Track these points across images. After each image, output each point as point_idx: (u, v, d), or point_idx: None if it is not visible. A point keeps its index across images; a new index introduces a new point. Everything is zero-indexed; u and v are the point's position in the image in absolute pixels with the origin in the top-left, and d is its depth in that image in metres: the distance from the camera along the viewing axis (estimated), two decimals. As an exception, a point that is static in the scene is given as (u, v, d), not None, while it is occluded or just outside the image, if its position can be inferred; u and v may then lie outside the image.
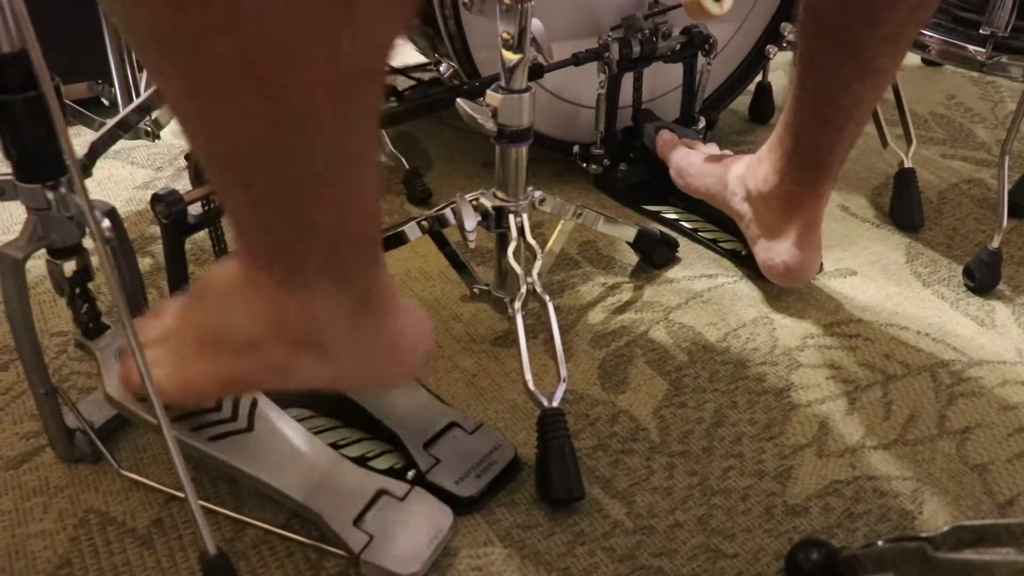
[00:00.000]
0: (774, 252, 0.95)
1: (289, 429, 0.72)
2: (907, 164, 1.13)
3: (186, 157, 0.90)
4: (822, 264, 1.01)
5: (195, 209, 0.79)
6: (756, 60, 1.30)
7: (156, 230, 1.07)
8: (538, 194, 0.89)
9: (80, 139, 0.96)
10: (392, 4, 0.45)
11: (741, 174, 0.98)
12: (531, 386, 0.76)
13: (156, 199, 0.76)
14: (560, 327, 0.83)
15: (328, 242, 0.54)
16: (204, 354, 0.63)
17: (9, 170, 0.64)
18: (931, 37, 1.08)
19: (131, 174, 1.22)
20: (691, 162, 1.08)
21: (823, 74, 0.84)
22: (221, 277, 0.61)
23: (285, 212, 0.52)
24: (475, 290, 0.92)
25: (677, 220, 1.11)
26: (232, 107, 0.45)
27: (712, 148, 1.12)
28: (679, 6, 1.04)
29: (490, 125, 0.81)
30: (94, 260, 0.71)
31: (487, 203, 0.86)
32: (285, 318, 0.57)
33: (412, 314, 0.63)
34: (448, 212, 0.89)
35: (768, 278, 0.98)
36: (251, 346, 0.60)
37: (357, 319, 0.58)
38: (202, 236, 0.96)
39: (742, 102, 1.37)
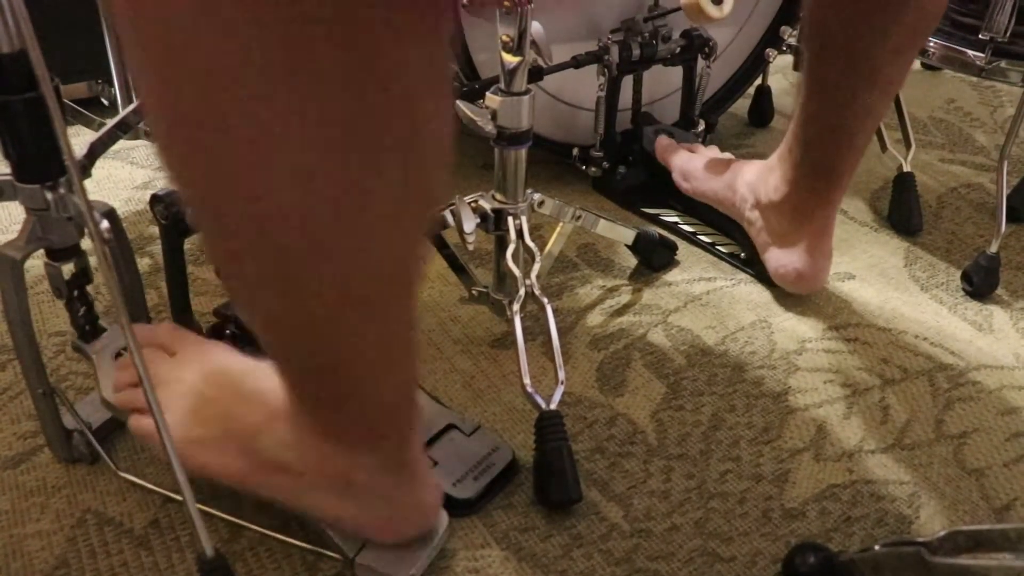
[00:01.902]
0: (786, 260, 0.95)
1: (287, 431, 0.72)
2: (906, 168, 1.14)
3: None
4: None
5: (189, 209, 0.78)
6: (756, 63, 1.30)
7: (155, 231, 1.07)
8: (537, 196, 0.89)
9: (79, 139, 0.96)
10: (410, 221, 0.48)
11: (751, 182, 0.98)
12: (529, 388, 0.76)
13: (155, 200, 0.76)
14: (558, 329, 0.83)
15: (370, 414, 0.57)
16: (233, 448, 0.63)
17: (8, 170, 0.64)
18: (931, 42, 1.08)
19: (130, 174, 1.22)
20: (696, 165, 1.08)
21: (830, 85, 0.84)
22: (269, 384, 0.60)
23: (328, 386, 0.55)
24: (474, 292, 0.92)
25: (676, 223, 1.12)
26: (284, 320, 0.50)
27: (713, 151, 1.12)
28: (679, 9, 1.04)
29: (489, 127, 0.82)
30: (93, 261, 0.71)
31: (486, 205, 0.86)
32: (324, 462, 0.59)
33: (430, 480, 0.65)
34: (447, 214, 0.89)
35: (779, 285, 0.98)
36: (284, 469, 0.61)
37: (388, 477, 0.61)
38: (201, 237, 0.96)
39: (742, 105, 1.38)
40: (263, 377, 0.61)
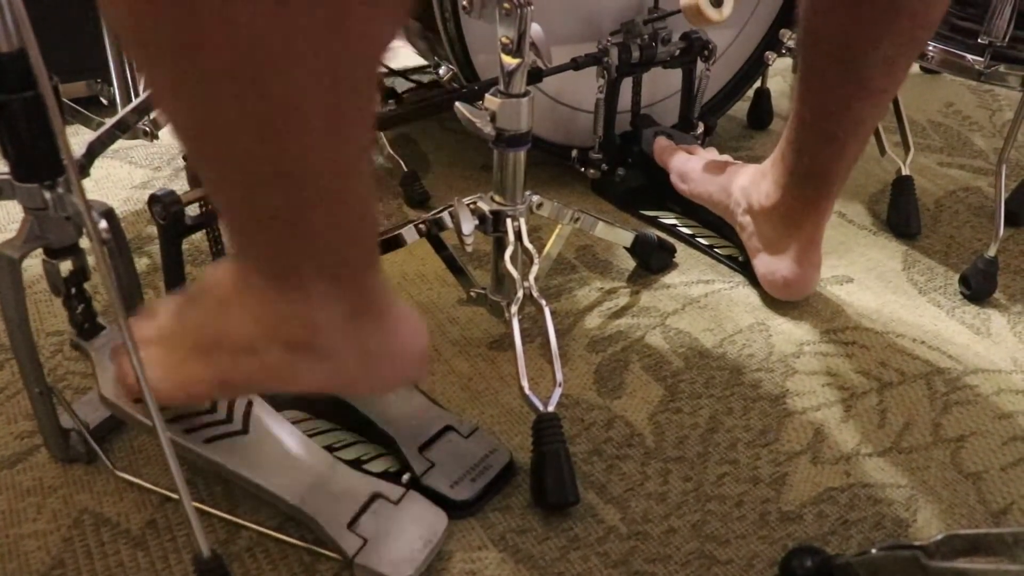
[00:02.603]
0: (774, 267, 0.96)
1: (284, 432, 0.72)
2: (905, 172, 1.14)
3: (184, 157, 0.90)
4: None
5: (192, 210, 0.78)
6: (755, 66, 1.30)
7: (153, 230, 1.07)
8: (536, 198, 0.89)
9: (78, 138, 0.96)
10: (383, 13, 0.45)
11: (744, 186, 0.98)
12: (527, 390, 0.76)
13: (153, 199, 0.76)
14: (556, 331, 0.83)
15: (323, 245, 0.54)
16: (200, 356, 0.63)
17: (6, 169, 0.64)
18: (929, 46, 1.08)
19: (129, 174, 1.22)
20: (693, 167, 1.08)
21: (824, 93, 0.84)
22: (217, 279, 0.61)
23: (279, 216, 0.52)
24: (472, 294, 0.92)
25: (675, 225, 1.12)
26: (223, 112, 0.46)
27: (712, 153, 1.13)
28: (679, 12, 1.05)
29: (488, 129, 0.81)
30: (91, 260, 0.71)
31: (485, 207, 0.86)
32: (281, 321, 0.57)
33: (408, 318, 0.63)
34: (446, 215, 0.89)
35: (768, 291, 0.98)
36: (247, 349, 0.59)
37: (353, 322, 0.58)
38: (199, 237, 0.96)
39: (741, 108, 1.38)
40: (210, 281, 0.61)
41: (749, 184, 0.97)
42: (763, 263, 0.97)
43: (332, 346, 0.58)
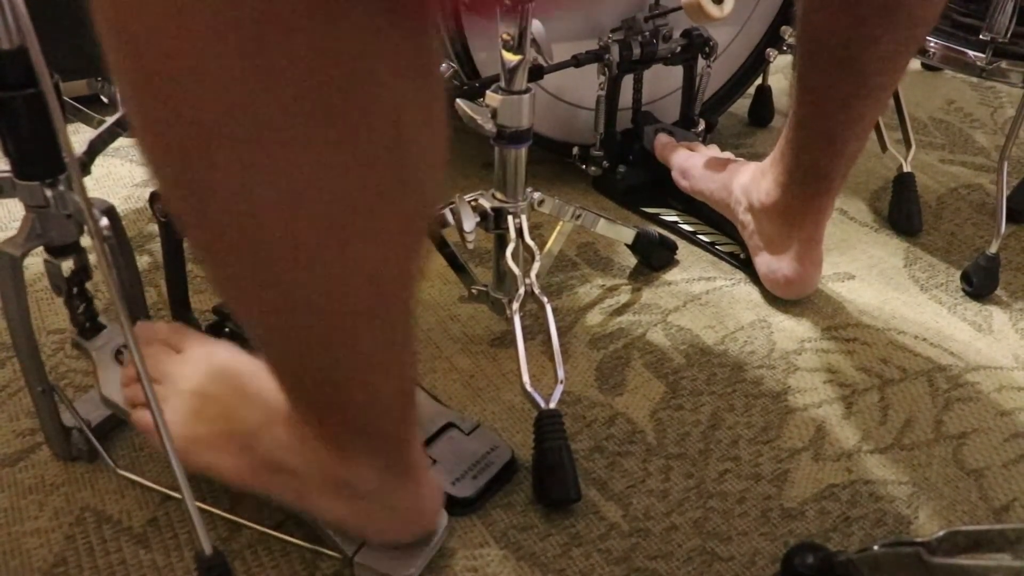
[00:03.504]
0: (776, 266, 0.96)
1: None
2: (906, 168, 1.13)
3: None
4: (820, 268, 1.01)
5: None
6: (756, 63, 1.30)
7: (155, 228, 1.07)
8: (537, 195, 0.89)
9: (79, 136, 0.96)
10: (407, 231, 0.48)
11: (745, 184, 0.98)
12: (528, 387, 0.76)
13: (155, 197, 0.76)
14: (558, 328, 0.83)
15: (370, 420, 0.57)
16: (235, 447, 0.63)
17: (8, 167, 0.64)
18: (931, 42, 1.08)
19: (130, 172, 1.22)
20: (695, 164, 1.08)
21: (822, 92, 0.84)
22: (271, 388, 0.60)
23: (327, 395, 0.56)
24: (473, 291, 0.92)
25: (676, 222, 1.11)
26: (290, 320, 0.50)
27: (713, 150, 1.12)
28: (679, 8, 1.04)
29: (489, 126, 0.81)
30: (92, 258, 0.71)
31: (486, 204, 0.86)
32: (325, 465, 0.60)
33: (431, 483, 0.65)
34: (447, 213, 0.89)
35: (769, 290, 0.98)
36: (286, 470, 0.61)
37: (389, 480, 0.61)
38: (200, 234, 0.96)
39: (742, 105, 1.37)
40: (266, 377, 0.60)
41: (750, 182, 0.97)
42: (764, 262, 0.97)
43: (366, 494, 0.61)
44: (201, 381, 0.65)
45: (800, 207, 0.91)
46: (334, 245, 0.44)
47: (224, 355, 0.67)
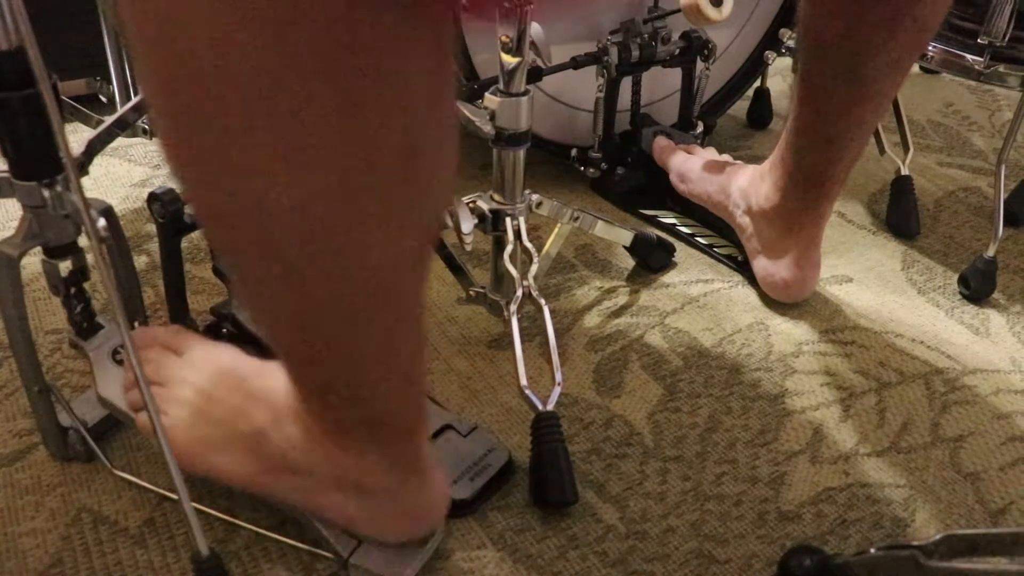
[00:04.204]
0: (773, 269, 0.96)
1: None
2: (904, 171, 1.14)
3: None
4: (817, 271, 1.01)
5: (191, 208, 0.78)
6: (755, 65, 1.30)
7: (152, 228, 1.07)
8: (535, 197, 0.89)
9: (77, 136, 0.96)
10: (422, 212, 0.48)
11: (743, 187, 0.98)
12: (526, 389, 0.76)
13: (152, 198, 0.75)
14: (556, 330, 0.83)
15: (380, 419, 0.57)
16: (241, 449, 0.63)
17: (5, 167, 0.64)
18: (929, 45, 1.08)
19: (128, 171, 1.22)
20: (692, 167, 1.08)
21: (823, 97, 0.84)
22: (277, 386, 0.60)
23: (339, 392, 0.55)
24: (471, 292, 0.92)
25: (674, 225, 1.12)
26: (298, 303, 0.49)
27: (711, 153, 1.12)
28: (678, 11, 1.04)
29: (488, 128, 0.81)
30: (90, 259, 0.70)
31: (484, 206, 0.86)
32: (334, 465, 0.60)
33: (439, 480, 0.65)
34: (445, 214, 0.89)
35: (767, 293, 0.98)
36: (293, 470, 0.61)
37: (397, 478, 0.61)
38: (198, 235, 0.96)
39: (740, 107, 1.38)
40: (270, 377, 0.61)
41: (748, 186, 0.97)
42: (762, 265, 0.97)
43: (374, 493, 0.61)
44: (204, 383, 0.65)
45: (799, 211, 0.91)
46: (346, 240, 0.45)
47: (226, 356, 0.67)
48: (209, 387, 0.65)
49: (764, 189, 0.94)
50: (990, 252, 0.99)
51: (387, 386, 0.56)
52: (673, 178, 1.10)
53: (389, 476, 0.60)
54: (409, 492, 0.62)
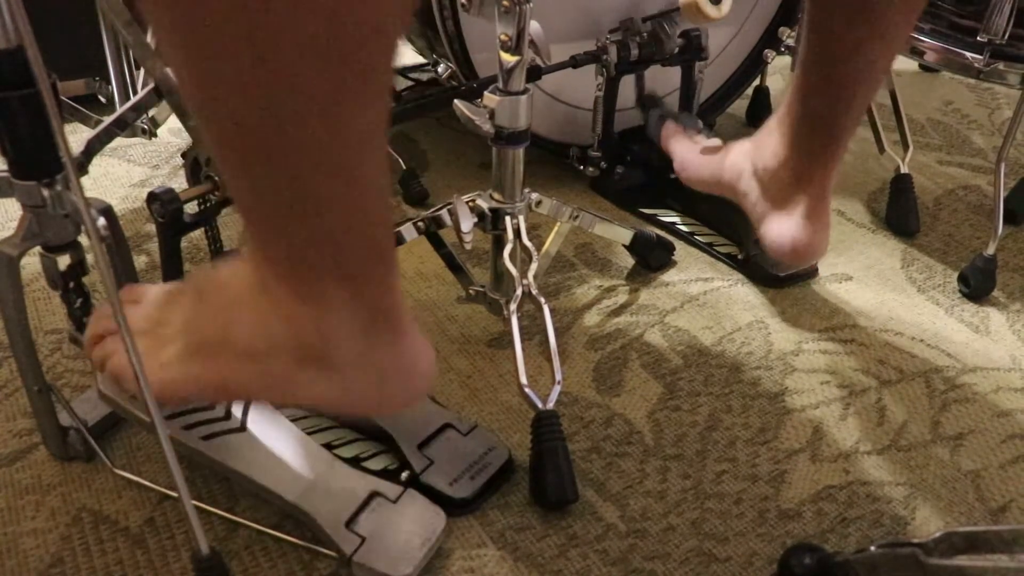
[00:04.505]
0: (783, 227, 0.89)
1: (283, 429, 0.72)
2: (903, 170, 1.14)
3: (183, 155, 0.89)
4: (817, 268, 1.01)
5: (191, 208, 0.78)
6: (754, 64, 1.30)
7: (152, 228, 1.07)
8: (535, 196, 0.89)
9: (76, 136, 0.96)
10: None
11: (747, 150, 0.94)
12: (526, 388, 0.76)
13: (152, 197, 0.76)
14: (555, 329, 0.83)
15: (341, 247, 0.53)
16: (198, 356, 0.60)
17: (5, 167, 0.64)
18: (929, 43, 1.08)
19: (127, 172, 1.22)
20: (694, 152, 1.07)
21: (834, 37, 0.80)
22: (226, 278, 0.58)
23: (294, 209, 0.51)
24: (471, 291, 0.92)
25: (674, 223, 1.12)
26: (225, 73, 0.44)
27: (715, 142, 1.12)
28: (677, 9, 1.04)
29: (487, 127, 0.81)
30: (89, 259, 0.70)
31: (484, 204, 0.86)
32: (294, 327, 0.55)
33: (419, 340, 0.61)
34: (445, 213, 0.89)
35: (774, 257, 0.92)
36: (253, 354, 0.57)
37: (369, 337, 0.56)
38: (198, 235, 0.96)
39: (740, 106, 1.38)
40: (218, 277, 0.59)
41: (752, 147, 0.92)
42: (770, 225, 0.91)
43: (343, 359, 0.56)
44: (155, 313, 0.63)
45: (808, 162, 0.86)
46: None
47: (173, 284, 0.66)
48: (160, 315, 0.63)
49: (771, 146, 0.89)
50: (990, 250, 0.99)
51: (351, 218, 0.51)
52: (676, 166, 1.09)
53: (361, 339, 0.55)
54: (387, 354, 0.57)
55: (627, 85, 1.15)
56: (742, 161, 0.94)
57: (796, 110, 0.86)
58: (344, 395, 0.58)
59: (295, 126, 0.46)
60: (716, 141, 1.12)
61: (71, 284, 0.71)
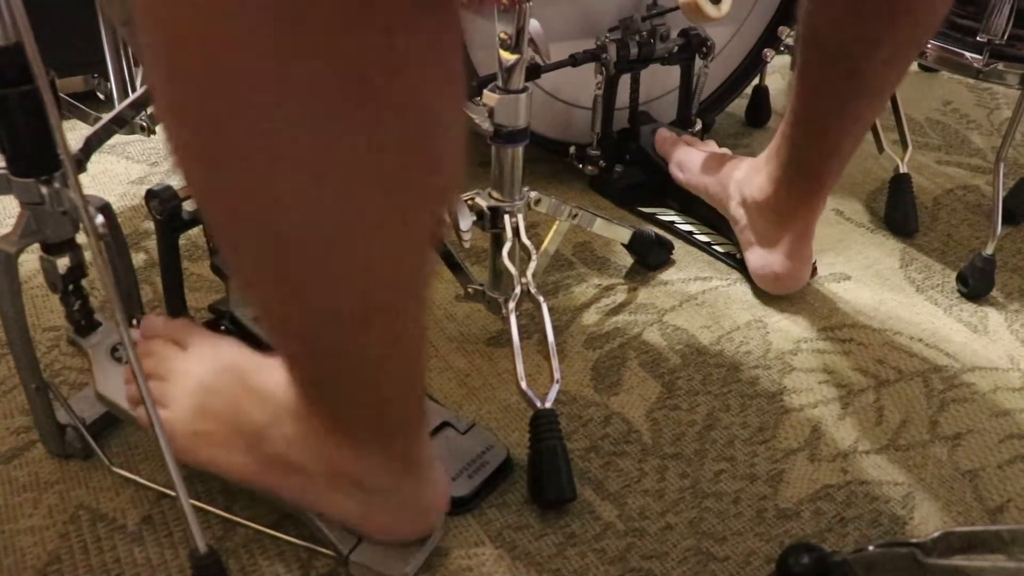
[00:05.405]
0: (765, 261, 0.96)
1: (281, 427, 0.71)
2: (902, 169, 1.14)
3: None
4: (816, 268, 1.02)
5: (190, 205, 0.78)
6: (753, 63, 1.30)
7: (150, 226, 1.06)
8: (533, 194, 0.89)
9: (75, 133, 0.96)
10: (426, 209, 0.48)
11: (739, 179, 0.98)
12: (524, 387, 0.76)
13: (151, 195, 0.75)
14: (554, 328, 0.83)
15: (386, 413, 0.57)
16: (237, 443, 0.63)
17: (3, 164, 0.64)
18: (928, 43, 1.08)
19: (126, 169, 1.22)
20: (692, 158, 1.08)
21: (821, 91, 0.84)
22: (272, 386, 0.60)
23: (353, 389, 0.55)
24: (469, 290, 0.92)
25: (672, 222, 1.11)
26: (306, 306, 0.49)
27: (711, 146, 1.12)
28: (677, 8, 1.04)
29: (486, 125, 0.81)
30: (88, 256, 0.70)
31: (482, 203, 0.86)
32: (335, 461, 0.59)
33: (439, 479, 0.65)
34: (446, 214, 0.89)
35: (759, 285, 0.98)
36: (291, 465, 0.61)
37: (397, 476, 0.61)
38: (196, 232, 0.96)
39: (739, 105, 1.37)
40: (272, 373, 0.60)
41: (743, 177, 0.98)
42: (755, 256, 0.98)
43: (372, 490, 0.61)
44: (207, 377, 0.65)
45: (792, 203, 0.91)
46: (353, 234, 0.45)
47: (230, 351, 0.67)
48: (211, 381, 0.65)
49: (759, 181, 0.94)
50: (988, 250, 0.99)
51: (387, 385, 0.55)
52: (673, 168, 1.10)
53: (388, 475, 0.60)
54: (408, 491, 0.62)
55: (626, 84, 1.15)
56: (733, 188, 0.99)
57: (783, 154, 0.90)
58: (365, 520, 0.63)
59: (358, 364, 0.53)
60: (712, 144, 1.12)
61: (70, 286, 0.71)
